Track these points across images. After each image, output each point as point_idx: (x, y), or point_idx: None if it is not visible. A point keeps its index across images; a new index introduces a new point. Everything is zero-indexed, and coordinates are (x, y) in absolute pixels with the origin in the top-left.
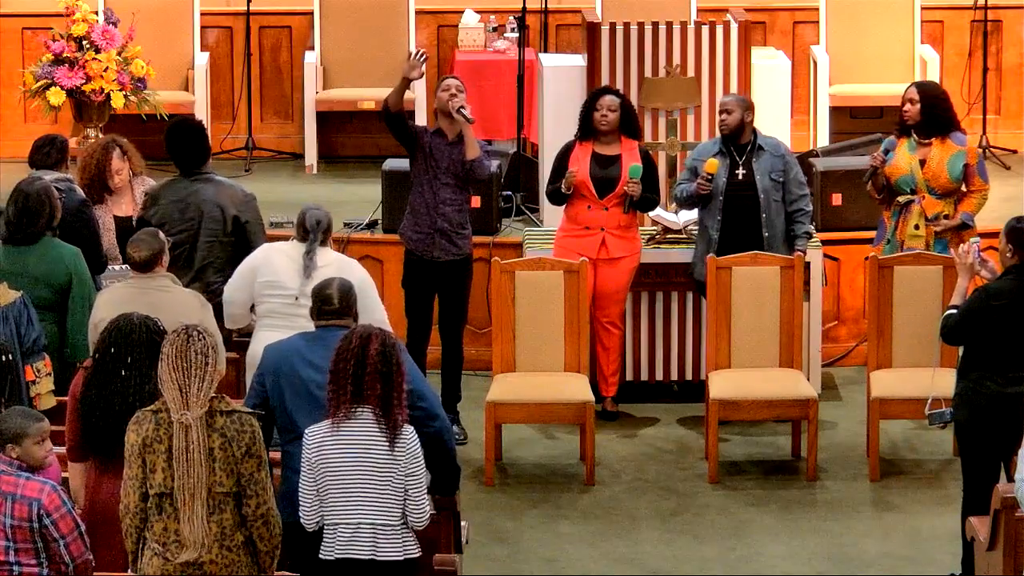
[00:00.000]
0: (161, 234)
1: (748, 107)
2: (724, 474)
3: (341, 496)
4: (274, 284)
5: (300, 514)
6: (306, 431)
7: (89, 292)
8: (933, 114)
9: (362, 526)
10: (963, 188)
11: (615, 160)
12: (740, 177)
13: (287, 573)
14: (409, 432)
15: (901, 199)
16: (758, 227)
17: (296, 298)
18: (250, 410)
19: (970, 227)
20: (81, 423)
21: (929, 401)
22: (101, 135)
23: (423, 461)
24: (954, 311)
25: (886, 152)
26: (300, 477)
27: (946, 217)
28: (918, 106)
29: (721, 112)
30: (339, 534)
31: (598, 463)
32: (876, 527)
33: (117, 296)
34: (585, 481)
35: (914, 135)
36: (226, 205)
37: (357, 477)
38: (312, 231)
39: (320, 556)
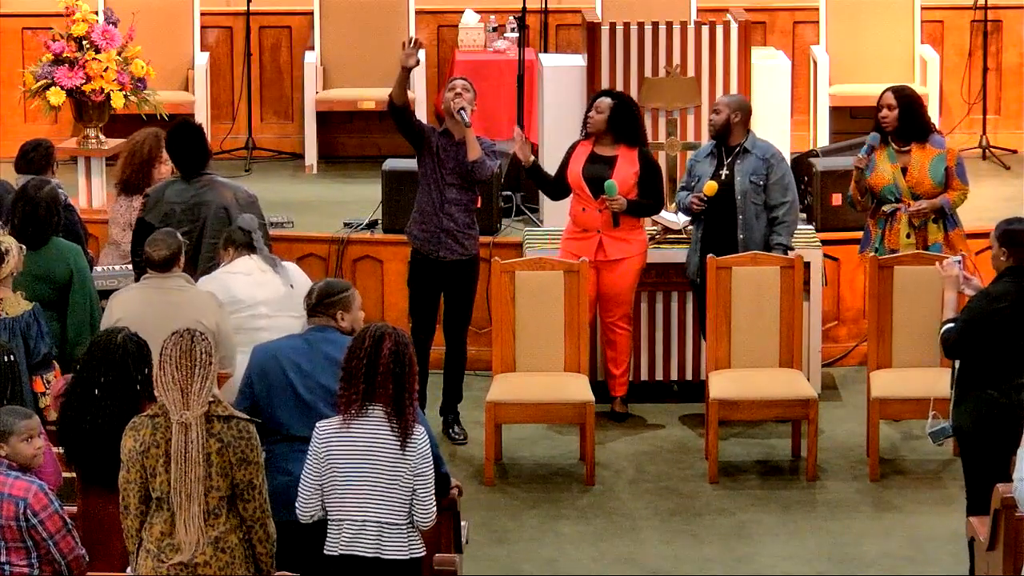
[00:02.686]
0: (178, 235)
1: (739, 108)
2: (724, 474)
3: (348, 493)
4: (232, 303)
5: (297, 506)
6: (317, 424)
7: (90, 290)
8: (911, 120)
9: (368, 524)
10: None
11: (610, 161)
12: (723, 178)
13: (288, 573)
14: (420, 432)
15: (886, 208)
16: (735, 229)
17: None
18: (247, 417)
19: (948, 214)
20: (59, 438)
21: (929, 419)
22: (102, 135)
23: (432, 461)
24: (951, 324)
25: (870, 150)
26: (305, 469)
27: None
28: (896, 112)
29: (711, 112)
30: (344, 530)
31: (598, 463)
32: (876, 527)
33: (134, 296)
34: (585, 481)
35: (892, 143)
36: (231, 207)
37: (366, 475)
38: (253, 233)
39: (325, 552)
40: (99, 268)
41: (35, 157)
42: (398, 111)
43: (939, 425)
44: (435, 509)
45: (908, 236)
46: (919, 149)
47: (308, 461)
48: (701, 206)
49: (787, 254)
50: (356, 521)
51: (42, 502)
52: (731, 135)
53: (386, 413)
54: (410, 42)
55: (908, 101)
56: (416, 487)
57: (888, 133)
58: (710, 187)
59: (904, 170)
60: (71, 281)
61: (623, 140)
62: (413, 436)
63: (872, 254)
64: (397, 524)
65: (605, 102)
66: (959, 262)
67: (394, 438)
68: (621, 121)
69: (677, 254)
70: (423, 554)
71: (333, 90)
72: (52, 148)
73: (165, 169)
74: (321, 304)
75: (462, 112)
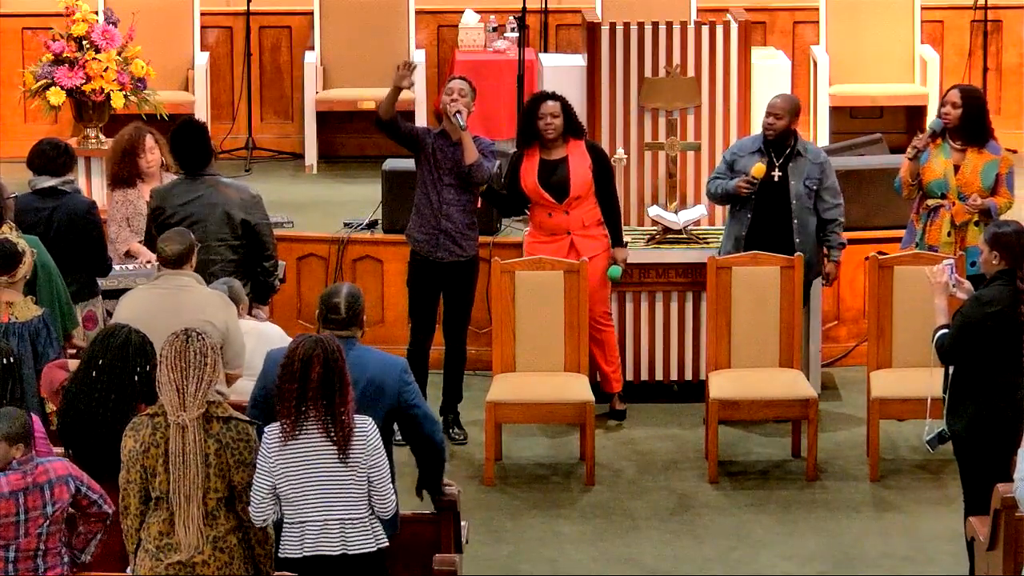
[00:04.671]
0: (191, 233)
1: (795, 112)
2: (724, 474)
3: (303, 497)
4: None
5: (251, 509)
6: (266, 429)
7: (55, 278)
8: (973, 123)
9: (329, 522)
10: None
11: (563, 163)
12: (775, 179)
13: (286, 574)
14: (365, 426)
15: (930, 202)
16: (789, 232)
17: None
18: (247, 419)
19: (993, 218)
20: (60, 421)
21: (926, 428)
22: (102, 135)
23: (384, 450)
24: (944, 330)
25: (932, 135)
26: (256, 472)
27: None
28: (959, 111)
29: (769, 115)
30: (307, 532)
31: (598, 463)
32: (876, 527)
33: (141, 296)
34: (585, 481)
35: (949, 139)
36: (234, 209)
37: (318, 481)
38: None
39: (281, 555)
40: (116, 267)
41: (64, 161)
42: (385, 125)
43: (935, 431)
44: (394, 497)
45: (948, 235)
46: (975, 152)
47: (258, 464)
48: (751, 188)
49: (843, 248)
50: (317, 522)
51: (77, 470)
52: (787, 138)
53: (322, 427)
54: (405, 65)
55: (973, 103)
56: (371, 478)
57: (946, 130)
58: (759, 169)
59: (956, 168)
60: (36, 275)
61: (570, 135)
62: (356, 436)
63: (914, 249)
64: (359, 518)
65: (556, 106)
66: (949, 266)
67: (334, 448)
68: (570, 118)
69: (677, 254)
70: (387, 544)
71: (333, 90)
72: (72, 150)
73: (151, 158)
74: (356, 316)
75: (458, 116)
